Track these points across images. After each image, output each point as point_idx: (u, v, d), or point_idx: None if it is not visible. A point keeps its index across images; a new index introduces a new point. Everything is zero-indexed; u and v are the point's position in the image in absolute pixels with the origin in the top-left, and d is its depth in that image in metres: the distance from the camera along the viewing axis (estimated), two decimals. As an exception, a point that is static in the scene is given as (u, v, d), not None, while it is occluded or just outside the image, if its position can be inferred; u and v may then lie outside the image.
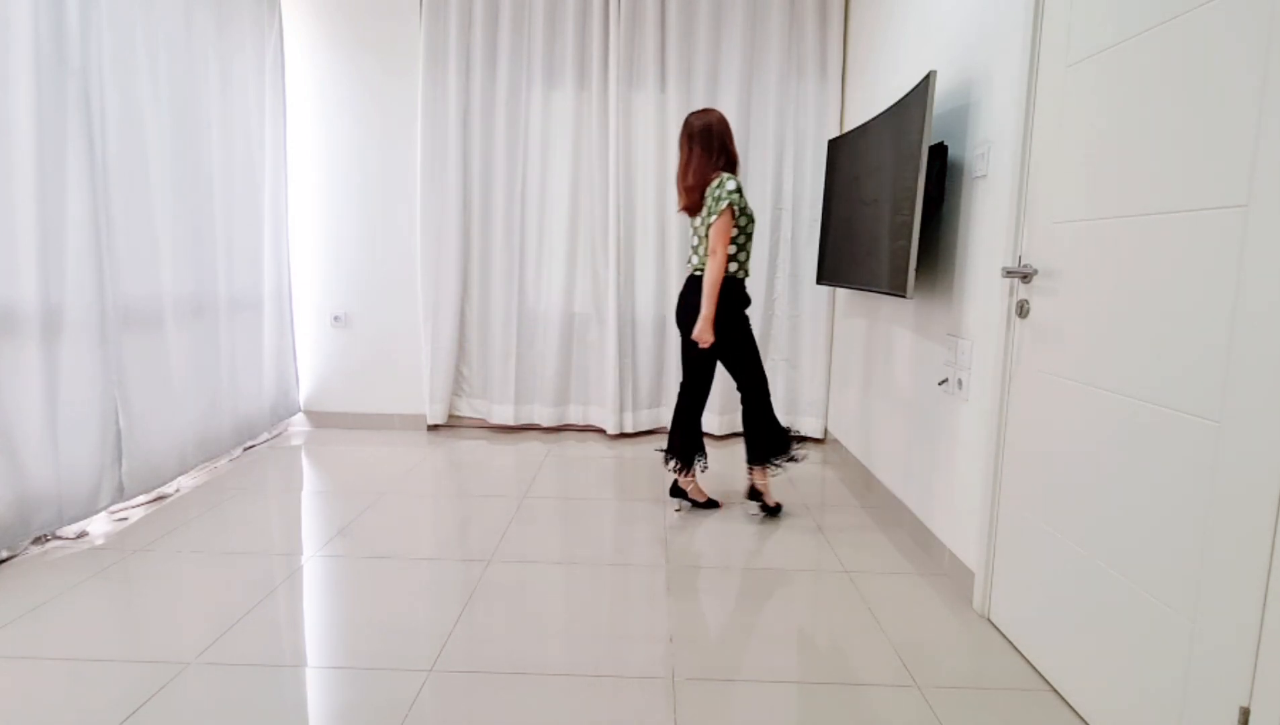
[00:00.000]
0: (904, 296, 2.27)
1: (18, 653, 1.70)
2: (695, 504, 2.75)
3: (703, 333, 2.47)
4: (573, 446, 3.64)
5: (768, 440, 2.64)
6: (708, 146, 2.54)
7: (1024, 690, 1.64)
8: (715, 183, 2.49)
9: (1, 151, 2.11)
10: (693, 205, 2.57)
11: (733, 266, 2.52)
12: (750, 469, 2.69)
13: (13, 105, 2.13)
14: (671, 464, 2.69)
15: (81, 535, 2.37)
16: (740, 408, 2.70)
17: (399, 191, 3.75)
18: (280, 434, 3.73)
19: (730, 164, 2.57)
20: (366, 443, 3.61)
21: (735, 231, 2.48)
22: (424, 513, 2.69)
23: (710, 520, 2.65)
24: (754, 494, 2.70)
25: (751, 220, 2.54)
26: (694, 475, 2.72)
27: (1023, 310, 1.82)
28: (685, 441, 2.68)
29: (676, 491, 2.76)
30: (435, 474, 3.16)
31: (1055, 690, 1.63)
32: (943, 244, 2.36)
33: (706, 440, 3.74)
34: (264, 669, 1.67)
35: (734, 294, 2.54)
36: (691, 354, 2.61)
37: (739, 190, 2.47)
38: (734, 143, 2.60)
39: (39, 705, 1.52)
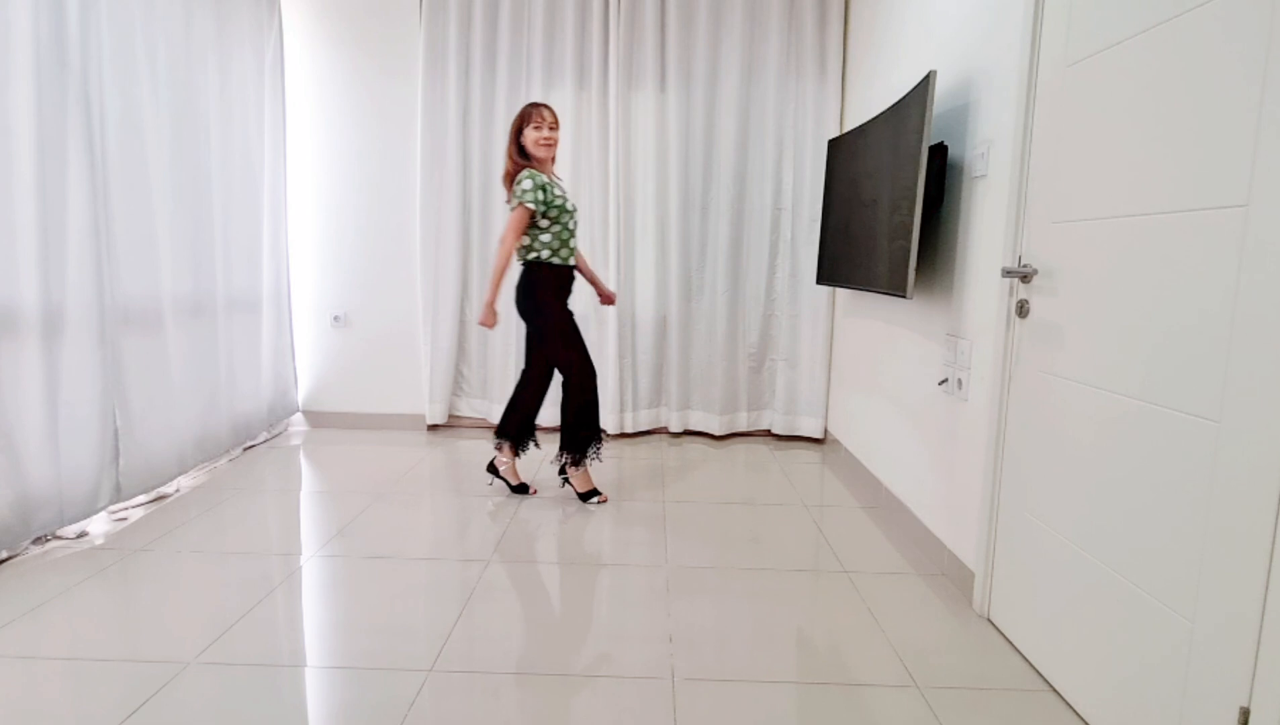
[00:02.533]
0: (904, 296, 2.27)
1: (18, 653, 1.70)
2: (509, 485, 2.89)
3: (484, 317, 2.65)
4: (572, 446, 3.63)
5: (574, 435, 2.75)
6: (510, 139, 2.70)
7: (1024, 690, 1.64)
8: (516, 179, 2.61)
9: (1, 152, 2.11)
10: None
11: (545, 252, 2.64)
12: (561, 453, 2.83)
13: (13, 105, 2.13)
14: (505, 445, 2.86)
15: (81, 535, 2.37)
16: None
17: (398, 191, 3.75)
18: (279, 434, 3.73)
19: (524, 155, 2.67)
20: (366, 442, 3.61)
21: (548, 222, 2.62)
22: (424, 513, 2.69)
23: (709, 521, 2.65)
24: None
25: (566, 211, 2.66)
26: (514, 457, 2.88)
27: (1022, 310, 1.82)
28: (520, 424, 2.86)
29: (493, 468, 2.94)
30: (435, 474, 3.16)
31: (1055, 690, 1.63)
32: (942, 244, 2.36)
33: (705, 440, 3.78)
34: (264, 669, 1.67)
35: (551, 279, 2.66)
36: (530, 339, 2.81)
37: (536, 189, 2.56)
38: (518, 137, 2.66)
39: (39, 705, 1.52)
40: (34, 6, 2.16)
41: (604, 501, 2.81)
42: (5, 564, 2.14)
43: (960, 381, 2.18)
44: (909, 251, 2.24)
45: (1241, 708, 1.13)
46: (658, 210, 3.72)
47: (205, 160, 3.03)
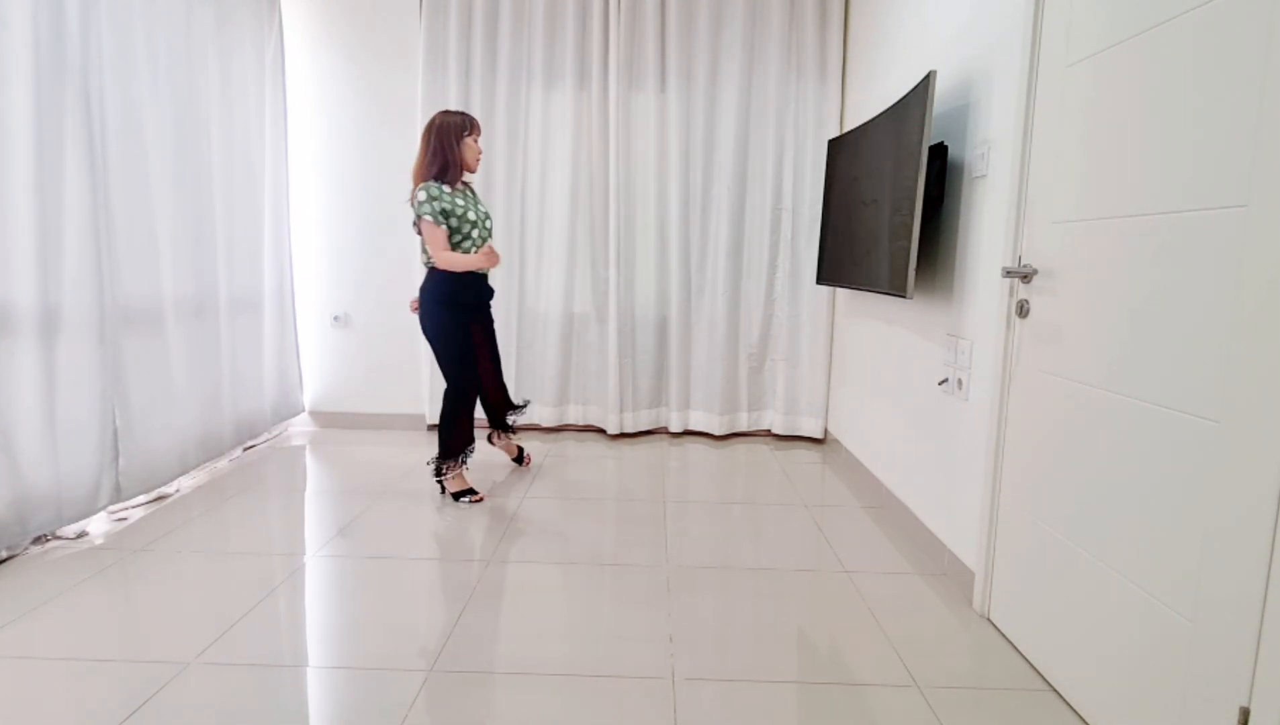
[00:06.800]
0: (904, 296, 2.27)
1: (18, 653, 1.70)
2: (455, 495, 2.82)
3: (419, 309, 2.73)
4: (572, 446, 3.63)
5: (441, 440, 2.80)
6: (425, 148, 2.69)
7: (1024, 690, 1.64)
8: (417, 190, 2.62)
9: (0, 151, 2.11)
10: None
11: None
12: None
13: (12, 104, 2.13)
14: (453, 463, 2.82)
15: (81, 535, 2.37)
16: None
17: (399, 190, 3.74)
18: (281, 434, 3.73)
19: (446, 169, 2.65)
20: (367, 443, 3.61)
21: (458, 236, 2.66)
22: (424, 513, 2.69)
23: (709, 521, 2.65)
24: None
25: (469, 221, 2.68)
26: (461, 468, 2.85)
27: (1023, 310, 1.82)
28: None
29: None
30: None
31: (1055, 690, 1.63)
32: (943, 244, 2.36)
33: (706, 440, 3.78)
34: (264, 669, 1.67)
35: (446, 287, 2.69)
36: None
37: (430, 200, 2.58)
38: (453, 148, 2.66)
39: (39, 705, 1.52)
40: (34, 5, 2.16)
41: (479, 500, 2.79)
42: (5, 564, 2.14)
43: (960, 381, 2.18)
44: (909, 251, 2.23)
45: (1241, 708, 1.13)
46: (658, 210, 3.72)
47: (206, 159, 3.03)
